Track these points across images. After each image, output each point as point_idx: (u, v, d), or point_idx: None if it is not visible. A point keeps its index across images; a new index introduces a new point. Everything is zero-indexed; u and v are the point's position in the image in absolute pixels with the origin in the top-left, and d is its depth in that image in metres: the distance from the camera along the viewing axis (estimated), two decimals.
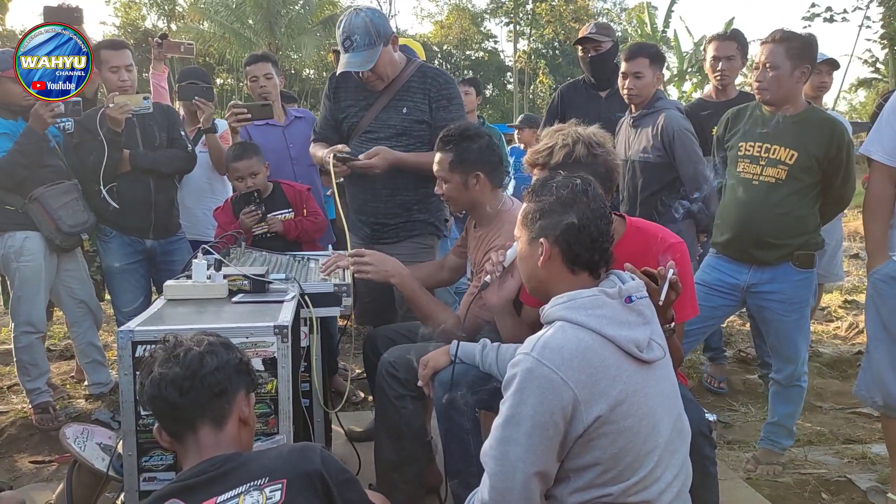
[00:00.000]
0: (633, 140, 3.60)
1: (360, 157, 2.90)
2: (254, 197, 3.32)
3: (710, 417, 2.16)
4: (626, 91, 3.57)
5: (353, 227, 3.13)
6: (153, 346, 1.83)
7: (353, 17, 2.86)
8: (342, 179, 3.13)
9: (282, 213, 3.45)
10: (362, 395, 3.99)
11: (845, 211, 3.65)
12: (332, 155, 2.90)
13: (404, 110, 2.98)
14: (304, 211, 3.49)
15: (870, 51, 22.95)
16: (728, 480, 2.89)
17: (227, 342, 1.62)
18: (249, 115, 3.67)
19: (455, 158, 2.51)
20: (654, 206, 3.46)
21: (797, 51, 2.82)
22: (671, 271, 1.80)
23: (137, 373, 1.72)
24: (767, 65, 2.84)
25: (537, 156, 2.16)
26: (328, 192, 3.80)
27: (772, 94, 2.88)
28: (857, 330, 5.23)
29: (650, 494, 1.58)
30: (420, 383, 2.34)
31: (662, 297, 1.78)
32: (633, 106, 3.64)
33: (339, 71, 2.99)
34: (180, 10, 32.56)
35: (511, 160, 5.90)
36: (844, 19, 23.23)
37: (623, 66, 3.57)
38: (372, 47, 2.85)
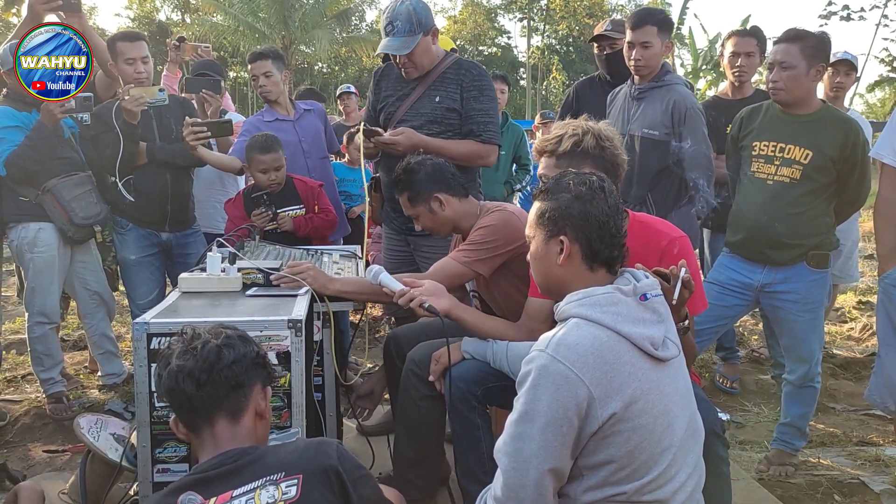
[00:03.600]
0: (636, 113, 3.37)
1: (386, 133, 2.98)
2: (263, 199, 3.32)
3: (723, 417, 2.15)
4: (632, 62, 3.34)
5: (387, 219, 3.20)
6: (168, 338, 1.84)
7: (399, 4, 2.98)
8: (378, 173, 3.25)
9: (292, 209, 3.44)
10: None
11: (861, 211, 3.62)
12: (361, 125, 3.03)
13: (437, 99, 3.06)
14: (316, 207, 3.48)
15: (887, 49, 22.73)
16: (740, 481, 2.87)
17: (245, 335, 1.63)
18: (209, 133, 3.43)
19: (410, 195, 2.59)
20: (651, 186, 3.30)
21: (812, 50, 2.80)
22: (683, 270, 1.80)
23: (154, 365, 1.73)
24: (783, 64, 2.82)
25: (546, 143, 2.21)
26: (359, 189, 3.80)
27: (788, 94, 2.86)
28: (870, 331, 5.18)
29: (664, 493, 1.57)
30: (431, 378, 2.35)
31: (676, 295, 1.78)
32: (637, 77, 3.41)
33: (377, 52, 3.11)
34: (194, 2, 32.64)
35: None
36: (862, 18, 22.99)
37: (629, 35, 3.33)
38: (411, 34, 2.96)
